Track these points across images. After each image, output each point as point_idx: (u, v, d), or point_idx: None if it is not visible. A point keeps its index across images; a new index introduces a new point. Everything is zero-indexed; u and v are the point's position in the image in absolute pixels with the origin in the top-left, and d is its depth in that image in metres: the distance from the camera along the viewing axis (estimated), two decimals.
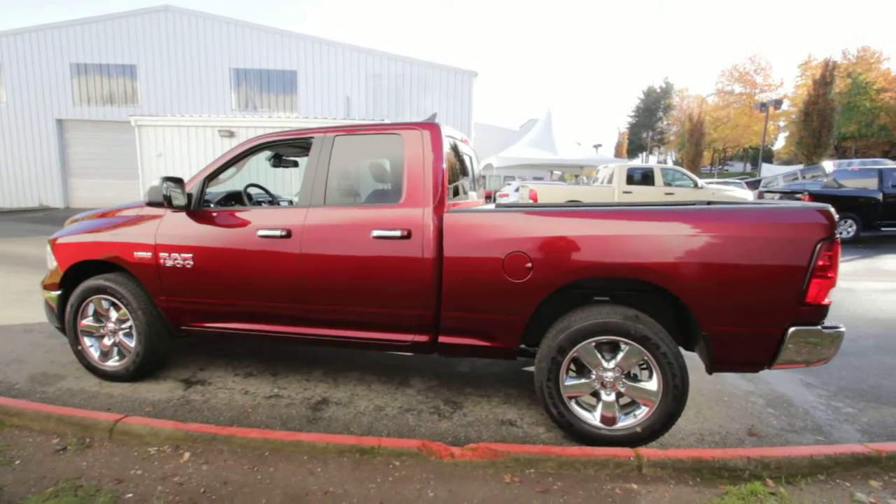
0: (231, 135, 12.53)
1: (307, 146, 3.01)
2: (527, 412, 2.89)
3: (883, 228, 10.18)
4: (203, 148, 12.64)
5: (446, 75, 19.41)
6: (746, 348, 2.32)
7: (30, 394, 3.03)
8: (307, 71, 19.24)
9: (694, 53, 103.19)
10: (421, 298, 2.60)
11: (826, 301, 2.20)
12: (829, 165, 13.75)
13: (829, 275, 2.17)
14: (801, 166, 22.58)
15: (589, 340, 2.39)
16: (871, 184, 10.15)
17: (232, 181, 3.53)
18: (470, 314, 2.59)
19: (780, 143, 47.66)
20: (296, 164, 4.11)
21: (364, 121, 13.91)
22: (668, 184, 11.73)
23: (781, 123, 42.64)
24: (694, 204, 2.97)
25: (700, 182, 12.23)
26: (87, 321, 3.19)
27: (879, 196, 9.94)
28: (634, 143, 58.15)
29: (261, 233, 2.82)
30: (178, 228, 2.98)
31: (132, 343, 3.13)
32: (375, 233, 2.63)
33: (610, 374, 2.42)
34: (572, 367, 2.49)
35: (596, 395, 2.49)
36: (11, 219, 14.56)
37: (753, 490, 2.06)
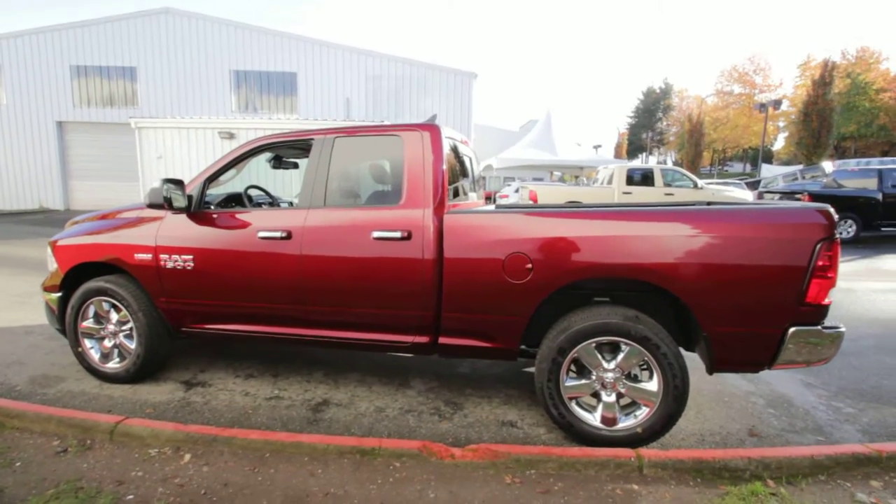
0: (231, 136, 12.55)
1: (307, 148, 3.02)
2: (527, 413, 2.89)
3: (883, 228, 10.19)
4: (203, 150, 12.67)
5: (446, 76, 19.44)
6: (747, 349, 2.32)
7: (30, 396, 3.03)
8: (307, 73, 19.28)
9: (693, 54, 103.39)
10: (421, 299, 2.61)
11: (826, 301, 2.20)
12: (828, 166, 13.74)
13: (829, 275, 2.17)
14: (800, 166, 22.58)
15: (589, 341, 2.39)
16: (871, 184, 10.15)
17: (232, 183, 3.54)
18: (470, 315, 2.59)
19: (779, 144, 47.70)
20: (296, 166, 4.11)
21: (364, 122, 13.93)
22: (667, 184, 11.74)
23: (781, 124, 42.67)
24: (694, 204, 2.97)
25: (700, 182, 12.24)
26: (88, 323, 3.20)
27: (879, 196, 9.94)
28: (634, 144, 58.19)
29: (261, 234, 2.83)
30: (178, 230, 2.98)
31: (133, 345, 3.13)
32: (376, 234, 2.63)
33: (610, 374, 2.42)
34: (573, 367, 2.49)
35: (596, 395, 2.49)
36: (11, 221, 14.58)
37: (754, 490, 2.06)
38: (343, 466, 2.25)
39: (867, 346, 4.08)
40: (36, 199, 19.13)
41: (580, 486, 2.13)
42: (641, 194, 11.44)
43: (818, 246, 2.15)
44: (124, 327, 3.16)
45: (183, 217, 3.00)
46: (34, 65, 18.70)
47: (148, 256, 3.00)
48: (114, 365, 3.20)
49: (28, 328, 4.33)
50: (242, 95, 19.51)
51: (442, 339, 2.67)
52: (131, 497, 2.04)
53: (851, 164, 16.82)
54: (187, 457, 2.33)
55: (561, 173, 26.07)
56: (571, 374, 2.50)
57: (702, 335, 2.34)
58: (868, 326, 4.58)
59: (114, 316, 3.15)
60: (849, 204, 10.05)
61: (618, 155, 54.46)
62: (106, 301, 3.12)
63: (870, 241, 10.53)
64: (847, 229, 10.03)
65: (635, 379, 2.45)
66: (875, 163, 14.80)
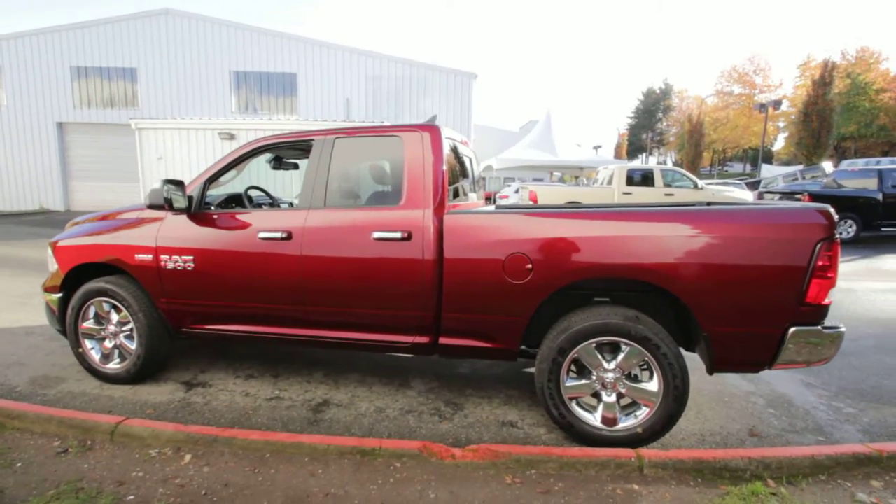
0: (231, 137, 12.56)
1: (307, 148, 3.02)
2: (528, 413, 2.89)
3: (883, 228, 10.19)
4: (203, 150, 12.67)
5: (446, 77, 19.45)
6: (747, 349, 2.32)
7: (31, 396, 3.03)
8: (307, 73, 19.29)
9: (693, 54, 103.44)
10: (421, 300, 2.61)
11: (826, 301, 2.20)
12: (828, 166, 13.75)
13: (829, 275, 2.17)
14: (800, 167, 22.59)
15: (589, 341, 2.39)
16: (871, 184, 10.15)
17: (232, 184, 3.54)
18: (470, 315, 2.59)
19: (779, 144, 47.70)
20: (296, 167, 4.11)
21: (364, 123, 13.94)
22: (667, 185, 11.74)
23: (781, 124, 42.67)
24: (694, 205, 2.98)
25: (700, 183, 12.25)
26: (88, 324, 3.20)
27: (879, 196, 9.94)
28: (634, 145, 58.20)
29: (261, 235, 2.83)
30: (179, 231, 2.99)
31: (133, 345, 3.13)
32: (376, 234, 2.64)
33: (610, 374, 2.42)
34: (573, 368, 2.50)
35: (597, 395, 2.49)
36: (12, 222, 14.58)
37: (754, 490, 2.06)
38: (343, 467, 2.25)
39: (867, 346, 4.08)
40: (36, 200, 19.15)
41: (581, 487, 2.13)
42: (641, 195, 11.44)
43: (818, 246, 2.15)
44: (125, 328, 3.16)
45: (183, 218, 3.00)
46: (34, 66, 18.72)
47: (148, 257, 3.01)
48: (114, 366, 3.20)
49: (29, 329, 4.33)
50: (242, 96, 19.53)
51: (442, 340, 2.67)
52: (132, 497, 2.04)
53: (860, 163, 16.81)
54: (188, 457, 2.33)
55: (561, 174, 26.09)
56: (572, 374, 2.50)
57: (702, 335, 2.34)
58: (868, 326, 4.58)
59: (114, 317, 3.15)
60: (849, 204, 10.05)
61: (618, 155, 54.46)
62: (106, 302, 3.12)
63: (870, 241, 10.53)
64: (847, 229, 10.03)
65: (635, 379, 2.45)
66: (886, 162, 14.75)
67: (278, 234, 2.79)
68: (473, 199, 3.57)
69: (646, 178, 11.79)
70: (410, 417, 2.84)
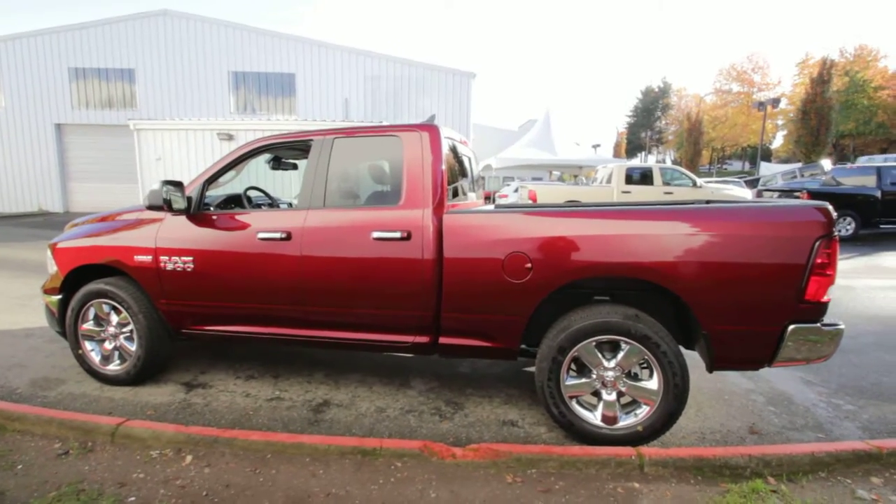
0: (230, 138, 12.55)
1: (306, 149, 3.02)
2: (528, 412, 2.90)
3: (882, 226, 10.20)
4: (202, 151, 12.67)
5: (444, 77, 19.44)
6: (746, 346, 2.32)
7: (31, 398, 3.03)
8: (305, 73, 19.27)
9: (692, 53, 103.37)
10: (421, 299, 2.61)
11: (825, 298, 2.21)
12: (827, 163, 13.76)
13: (828, 272, 2.18)
14: (799, 164, 22.61)
15: (589, 340, 2.39)
16: (870, 181, 10.16)
17: (231, 184, 3.54)
18: (470, 315, 2.59)
19: (778, 142, 47.73)
20: (295, 167, 4.11)
21: (363, 123, 13.94)
22: (666, 183, 11.74)
23: (779, 122, 42.72)
24: (693, 203, 2.98)
25: (699, 181, 12.25)
26: (88, 325, 3.20)
27: (878, 193, 9.96)
28: (633, 143, 58.20)
29: (261, 235, 2.83)
30: (178, 232, 2.99)
31: (133, 347, 3.13)
32: (375, 234, 2.64)
33: (611, 373, 2.43)
34: (573, 366, 2.50)
35: (597, 394, 2.49)
36: (11, 223, 14.56)
37: (755, 488, 2.07)
38: (344, 467, 2.25)
39: (867, 343, 4.08)
40: (35, 202, 19.12)
41: (581, 485, 2.13)
42: (640, 193, 11.44)
43: (817, 243, 2.15)
44: (125, 329, 3.16)
45: (182, 219, 3.00)
46: (33, 67, 18.68)
47: (148, 258, 3.00)
48: (114, 367, 3.20)
49: (28, 331, 4.33)
50: (241, 97, 19.50)
51: (442, 339, 2.67)
52: (133, 499, 2.04)
53: (878, 159, 16.75)
54: (189, 458, 2.33)
55: (560, 173, 26.08)
56: (572, 372, 2.50)
57: (701, 333, 2.35)
58: (867, 323, 4.58)
59: (114, 318, 3.15)
60: (848, 201, 10.06)
61: (617, 154, 54.40)
62: (106, 303, 3.12)
63: (869, 238, 10.55)
64: (846, 227, 10.04)
65: (636, 377, 2.46)
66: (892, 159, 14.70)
67: (278, 235, 2.79)
68: (473, 198, 3.57)
69: (645, 177, 11.79)
70: (411, 417, 2.84)
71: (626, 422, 2.44)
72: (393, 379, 3.37)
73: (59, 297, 3.26)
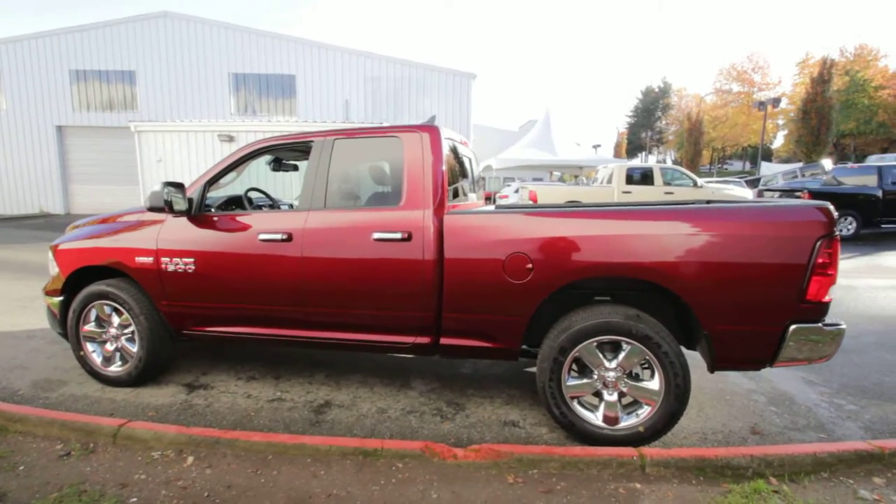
0: (231, 139, 12.56)
1: (307, 150, 3.03)
2: (529, 413, 2.89)
3: (883, 225, 10.18)
4: (203, 153, 12.68)
5: (445, 77, 19.45)
6: (748, 346, 2.32)
7: (33, 400, 3.03)
8: (306, 75, 19.29)
9: (692, 53, 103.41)
10: (422, 300, 2.61)
11: (826, 298, 2.21)
12: (828, 163, 13.74)
13: (830, 272, 2.17)
14: (800, 164, 22.59)
15: (590, 340, 2.39)
16: (871, 181, 10.15)
17: (232, 186, 3.54)
18: (471, 315, 2.59)
19: (778, 142, 47.68)
20: (296, 168, 4.12)
21: (363, 124, 13.94)
22: (667, 183, 11.74)
23: (780, 122, 42.69)
24: (694, 203, 2.98)
25: (699, 181, 12.24)
26: (90, 327, 3.20)
27: (879, 193, 9.95)
28: (633, 143, 58.17)
29: (262, 237, 2.83)
30: (179, 233, 2.99)
31: (134, 348, 3.14)
32: (376, 235, 2.64)
33: (612, 373, 2.43)
34: (574, 367, 2.50)
35: (598, 394, 2.49)
36: (12, 225, 14.59)
37: (757, 488, 2.06)
38: (346, 468, 2.25)
39: (868, 342, 4.08)
40: (36, 204, 19.15)
41: (583, 486, 2.13)
42: (641, 193, 11.44)
43: (818, 243, 2.15)
44: (126, 331, 3.16)
45: (184, 220, 3.00)
46: (34, 70, 18.72)
47: (149, 260, 3.01)
48: (116, 368, 3.20)
49: (30, 332, 4.34)
50: (241, 98, 19.53)
51: (443, 340, 2.67)
52: (134, 500, 2.04)
53: (889, 158, 16.68)
54: (190, 459, 2.33)
55: (560, 173, 26.08)
56: (573, 373, 2.50)
57: (703, 333, 2.34)
58: (869, 323, 4.58)
59: (115, 319, 3.16)
60: (849, 201, 10.05)
61: (617, 154, 54.40)
62: (107, 305, 3.13)
63: (870, 238, 10.54)
64: (847, 226, 10.03)
65: (637, 378, 2.46)
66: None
67: (279, 236, 2.80)
68: (473, 199, 3.57)
69: (645, 177, 11.78)
70: (412, 418, 2.84)
71: (627, 422, 2.43)
72: (394, 380, 3.37)
73: (61, 298, 3.27)
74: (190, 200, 2.95)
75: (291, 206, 3.87)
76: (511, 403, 3.02)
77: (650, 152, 57.26)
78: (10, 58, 18.60)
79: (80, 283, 3.24)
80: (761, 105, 27.58)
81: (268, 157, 3.72)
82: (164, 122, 13.85)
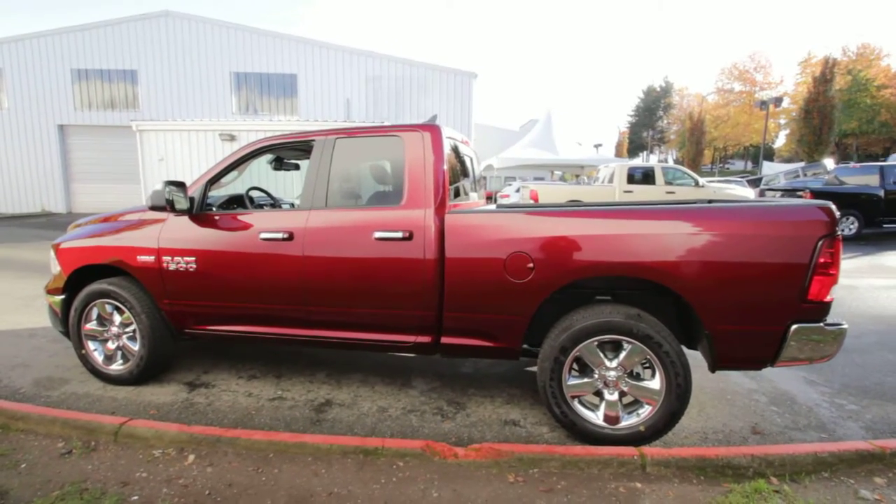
0: (232, 138, 12.57)
1: (308, 149, 3.03)
2: (530, 412, 2.89)
3: (885, 225, 10.16)
4: (204, 152, 12.70)
5: (446, 77, 19.44)
6: (749, 346, 2.32)
7: (35, 398, 3.04)
8: (307, 74, 19.30)
9: (693, 52, 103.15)
10: (423, 299, 2.61)
11: (828, 298, 2.20)
12: (830, 163, 13.72)
13: (831, 272, 2.17)
14: (802, 164, 22.54)
15: (591, 340, 2.39)
16: (873, 181, 10.13)
17: (234, 185, 3.55)
18: (472, 315, 2.59)
19: (780, 141, 47.59)
20: (297, 168, 4.12)
21: (364, 123, 13.95)
22: (669, 183, 11.72)
23: (782, 121, 42.62)
24: (695, 202, 2.97)
25: (701, 181, 12.22)
26: (91, 325, 3.21)
27: (881, 193, 9.92)
28: (635, 143, 58.10)
29: (263, 236, 2.84)
30: (180, 232, 2.99)
31: (136, 346, 3.14)
32: (377, 234, 2.64)
33: (613, 373, 2.42)
34: (575, 366, 2.50)
35: (599, 394, 2.49)
36: (14, 224, 14.62)
37: (757, 488, 2.06)
38: (347, 466, 2.26)
39: (870, 342, 4.07)
40: (38, 203, 19.19)
41: (583, 485, 2.13)
42: (642, 193, 11.42)
43: (820, 243, 2.14)
44: (127, 329, 3.17)
45: (185, 219, 3.01)
46: (35, 69, 18.75)
47: (150, 258, 3.01)
48: (117, 367, 3.21)
49: (32, 331, 4.35)
50: (243, 97, 19.54)
51: (444, 339, 2.67)
52: (136, 498, 2.04)
53: None
54: (191, 457, 2.33)
55: (562, 172, 26.05)
56: (574, 372, 2.50)
57: (704, 333, 2.34)
58: (871, 323, 4.57)
59: (117, 318, 3.16)
60: (851, 201, 10.03)
61: (619, 154, 54.34)
62: (109, 303, 3.13)
63: (872, 237, 10.51)
64: (849, 226, 10.01)
65: (638, 377, 2.46)
66: None
67: (280, 235, 2.80)
68: (474, 198, 3.57)
69: (647, 177, 11.76)
70: (413, 417, 2.84)
71: (628, 422, 2.43)
72: (395, 379, 3.37)
73: (63, 297, 3.28)
74: (191, 199, 2.96)
75: (293, 205, 3.88)
76: (512, 403, 3.02)
77: (652, 152, 57.19)
78: (11, 57, 18.64)
79: (81, 281, 3.25)
80: (763, 104, 27.53)
81: (269, 157, 3.72)
82: (165, 122, 13.87)
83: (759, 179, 21.11)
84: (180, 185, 2.88)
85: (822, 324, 2.23)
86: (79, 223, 3.52)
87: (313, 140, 2.97)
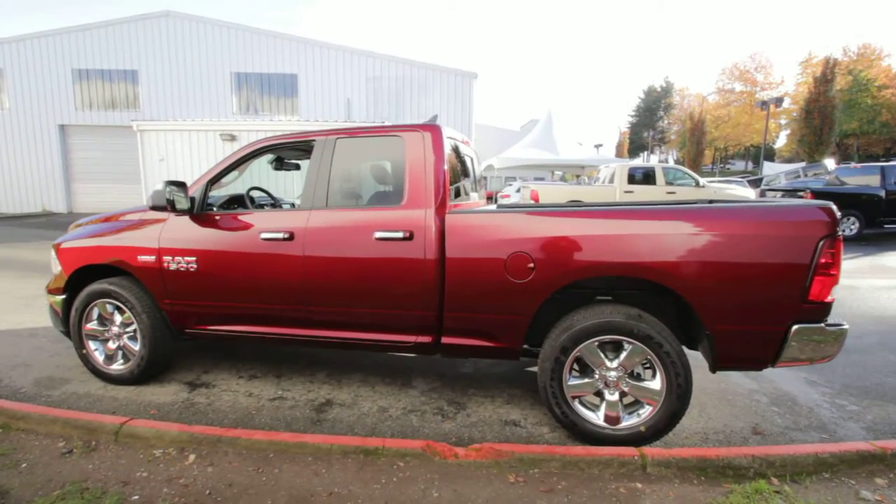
0: (232, 138, 12.58)
1: (309, 149, 3.03)
2: (530, 412, 2.89)
3: (886, 226, 10.15)
4: (205, 152, 12.71)
5: (447, 77, 19.44)
6: (750, 346, 2.32)
7: (35, 397, 3.05)
8: (307, 74, 19.30)
9: (694, 52, 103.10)
10: (423, 299, 2.61)
11: (829, 298, 2.20)
12: (830, 163, 13.70)
13: (832, 272, 2.17)
14: (802, 164, 22.52)
15: (592, 340, 2.39)
16: (874, 181, 10.12)
17: (234, 185, 3.55)
18: (472, 315, 2.59)
19: (781, 141, 47.56)
20: (297, 168, 4.12)
21: (365, 123, 13.95)
22: (669, 183, 11.71)
23: (783, 121, 42.60)
24: (696, 203, 2.97)
25: (702, 181, 12.21)
26: (92, 325, 3.21)
27: (882, 193, 9.91)
28: (635, 143, 58.08)
29: (264, 235, 2.84)
30: (181, 232, 3.00)
31: (136, 346, 3.15)
32: (378, 234, 2.64)
33: (613, 373, 2.42)
34: (575, 366, 2.50)
35: (599, 394, 2.49)
36: (15, 224, 14.64)
37: (758, 489, 2.06)
38: (347, 466, 2.26)
39: (871, 343, 4.07)
40: (39, 203, 19.21)
41: (584, 485, 2.13)
42: (643, 193, 11.41)
43: (821, 243, 2.14)
44: (128, 329, 3.17)
45: (186, 219, 3.01)
46: (36, 69, 18.77)
47: (151, 258, 3.02)
48: (118, 366, 3.21)
49: (33, 330, 4.35)
50: (243, 97, 19.55)
51: (444, 339, 2.67)
52: (136, 497, 2.05)
53: None
54: (192, 457, 2.34)
55: (562, 173, 26.05)
56: (574, 373, 2.50)
57: (705, 333, 2.34)
58: (871, 324, 4.56)
59: (118, 318, 3.17)
60: (852, 201, 10.02)
61: (619, 154, 54.30)
62: (110, 303, 3.14)
63: (873, 238, 10.50)
64: (850, 227, 10.00)
65: (638, 377, 2.45)
66: None
67: (280, 235, 2.80)
68: (475, 198, 3.57)
69: (647, 177, 11.76)
70: (413, 417, 2.84)
71: (628, 422, 2.43)
72: (395, 379, 3.37)
73: (63, 296, 3.28)
74: (192, 199, 2.96)
75: (293, 205, 3.88)
76: (512, 403, 3.02)
77: (652, 152, 57.16)
78: (13, 57, 18.66)
79: (82, 281, 3.25)
80: (764, 105, 27.47)
81: (270, 157, 3.73)
82: (166, 122, 13.89)
83: (760, 180, 21.08)
84: (181, 185, 2.88)
85: (822, 324, 2.22)
86: (79, 223, 3.52)
87: (314, 140, 2.98)
